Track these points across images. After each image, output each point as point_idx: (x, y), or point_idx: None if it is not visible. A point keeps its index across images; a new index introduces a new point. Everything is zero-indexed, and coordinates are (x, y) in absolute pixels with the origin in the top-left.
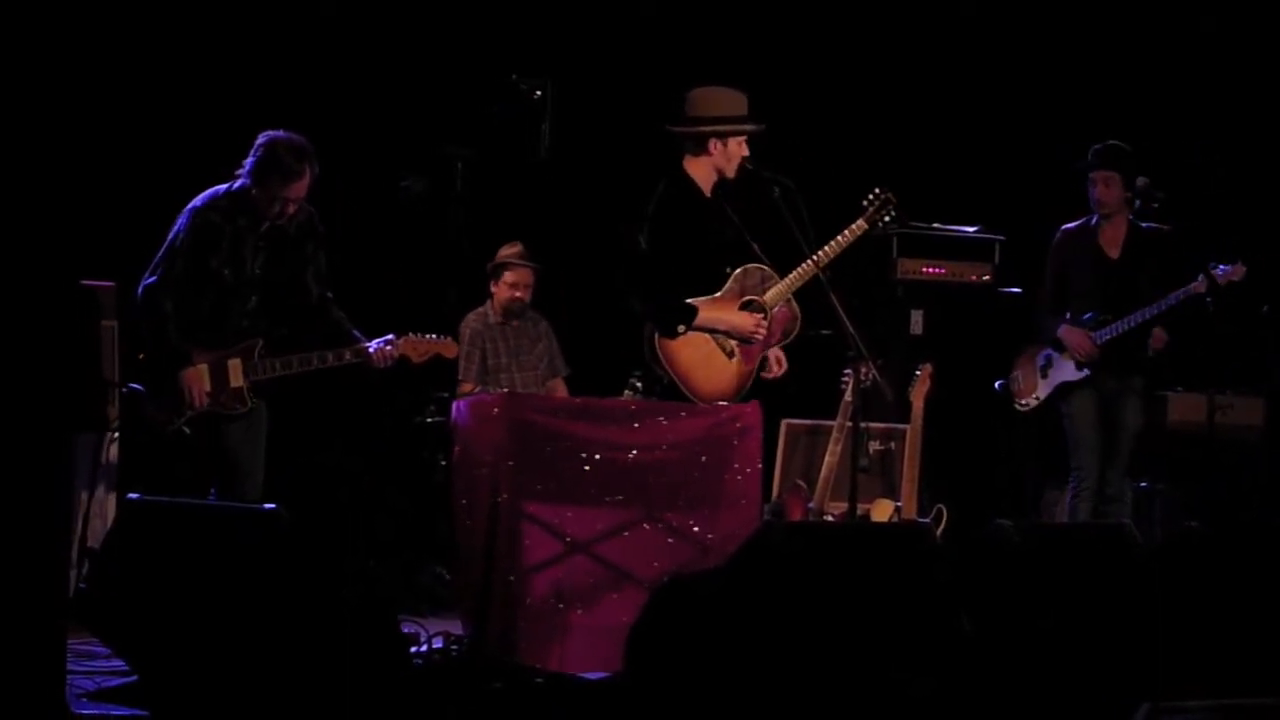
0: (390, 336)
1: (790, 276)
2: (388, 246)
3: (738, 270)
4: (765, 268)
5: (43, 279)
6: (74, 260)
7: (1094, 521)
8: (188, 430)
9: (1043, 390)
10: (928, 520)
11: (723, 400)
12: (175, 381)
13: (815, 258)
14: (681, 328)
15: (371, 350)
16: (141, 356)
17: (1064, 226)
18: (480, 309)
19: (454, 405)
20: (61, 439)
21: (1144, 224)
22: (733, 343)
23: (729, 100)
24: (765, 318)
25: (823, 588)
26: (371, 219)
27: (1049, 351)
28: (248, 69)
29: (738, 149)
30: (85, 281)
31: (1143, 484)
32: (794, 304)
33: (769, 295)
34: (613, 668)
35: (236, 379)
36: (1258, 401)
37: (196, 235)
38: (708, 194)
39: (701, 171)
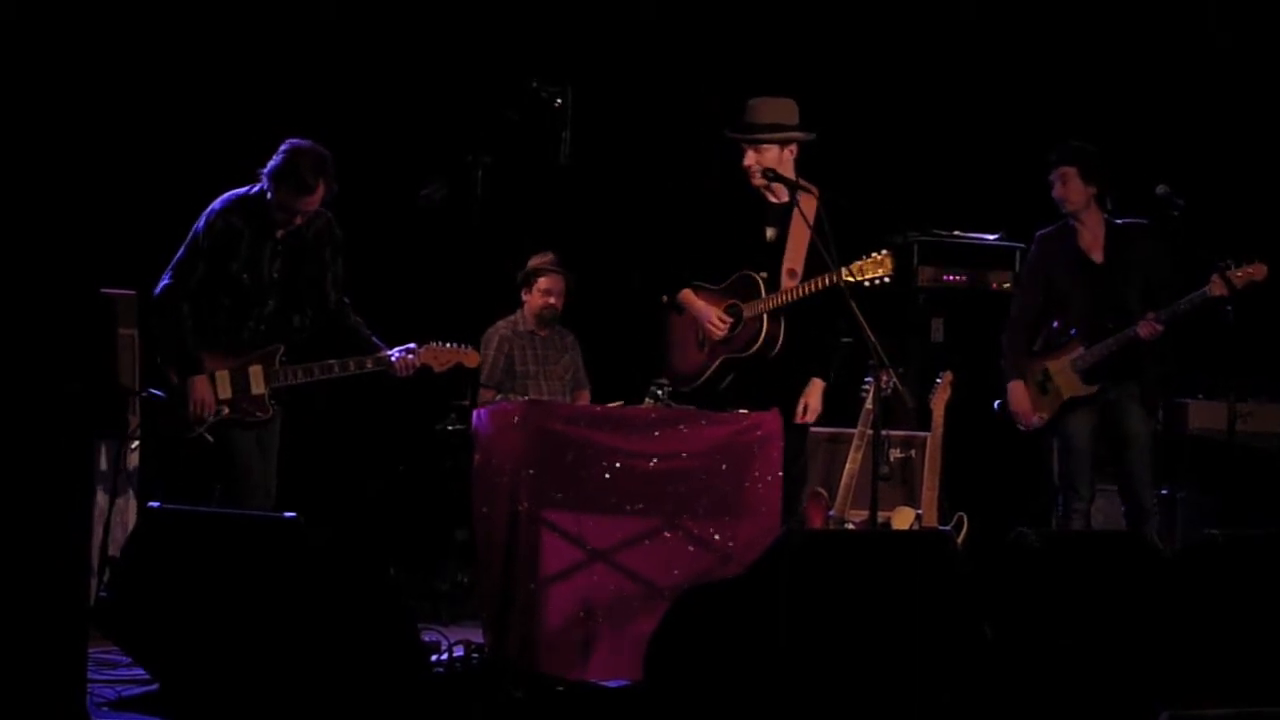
0: (411, 345)
1: (768, 297)
2: (408, 253)
3: (739, 273)
4: (760, 282)
5: (63, 287)
6: (94, 268)
7: (1114, 529)
8: (210, 437)
9: (1048, 408)
10: (948, 528)
11: (679, 380)
12: (183, 388)
13: (790, 291)
14: (665, 297)
15: (394, 359)
16: (159, 360)
17: (1040, 232)
18: (510, 317)
19: (474, 413)
20: (82, 446)
21: (1119, 220)
22: (704, 334)
23: (747, 107)
24: (735, 324)
25: (843, 595)
26: (392, 226)
27: (1045, 365)
28: (268, 77)
29: (745, 153)
30: (106, 290)
31: (1163, 491)
32: (767, 325)
33: (746, 306)
34: (633, 676)
35: (258, 386)
36: (1278, 409)
37: (216, 238)
38: (760, 195)
39: None
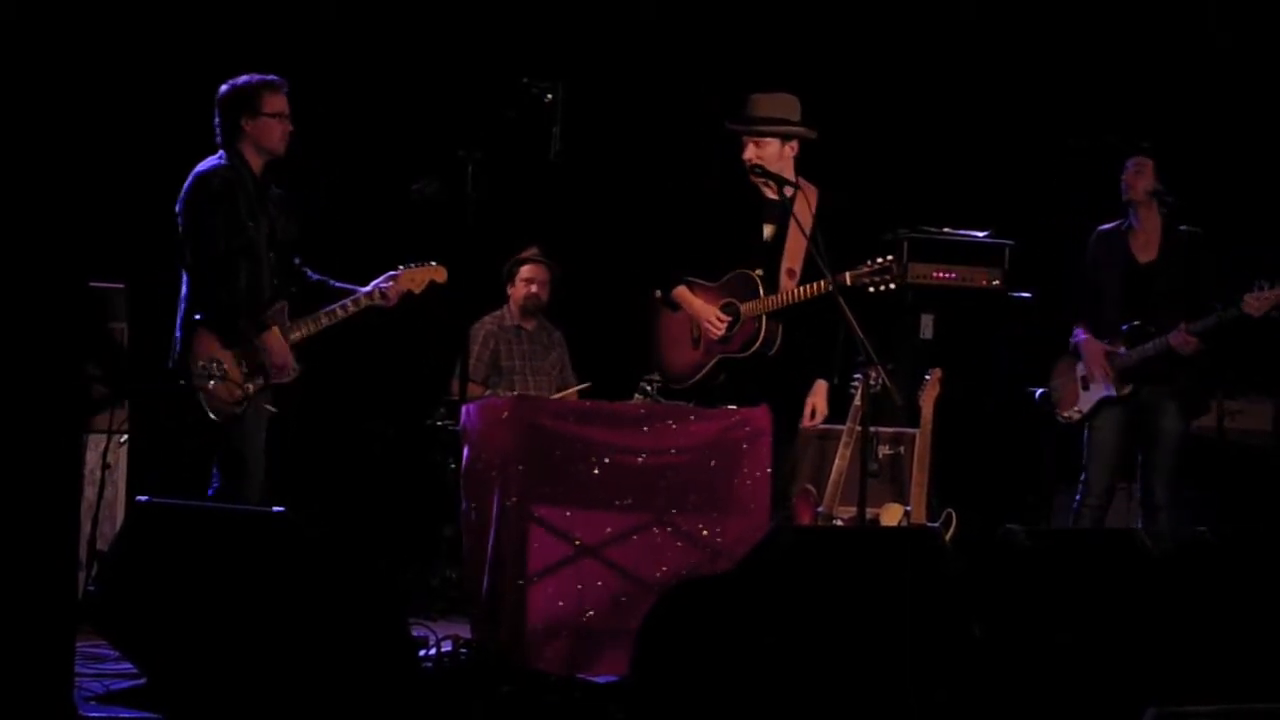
0: (390, 274)
1: (768, 298)
2: (399, 249)
3: (736, 272)
4: (756, 280)
5: (53, 280)
6: (84, 261)
7: (1103, 527)
8: (273, 408)
9: (1085, 403)
10: (937, 524)
11: (673, 378)
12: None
13: (790, 293)
14: (659, 292)
15: (385, 288)
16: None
17: (1099, 228)
18: (497, 312)
19: (463, 408)
20: (71, 440)
21: (1182, 227)
22: (699, 332)
23: (748, 100)
24: (733, 322)
25: (831, 592)
26: (383, 221)
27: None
28: (258, 71)
29: (745, 146)
30: (96, 283)
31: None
32: (766, 325)
33: (745, 306)
34: (621, 671)
35: None
36: (1267, 407)
37: (219, 190)
38: (758, 192)
39: None
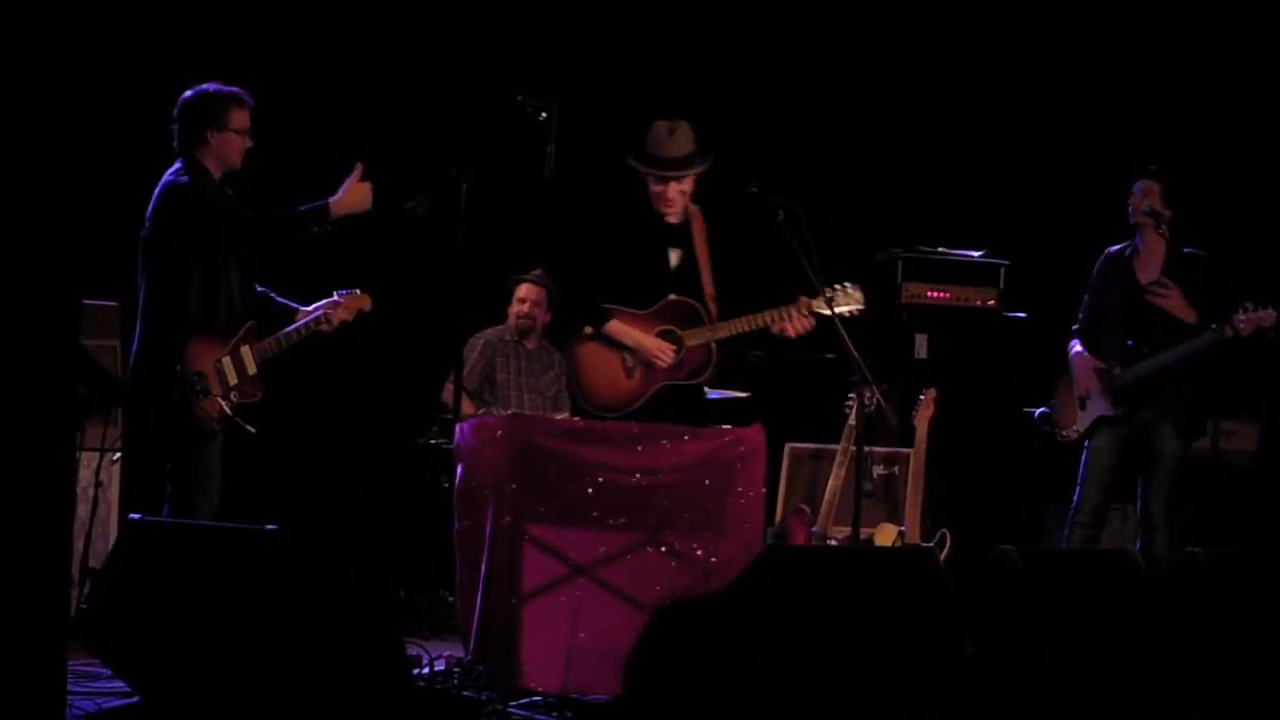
0: (331, 300)
1: (717, 326)
2: (391, 266)
3: (671, 299)
4: (699, 307)
5: (46, 297)
6: (77, 277)
7: (1094, 546)
8: (251, 429)
9: (1082, 423)
10: (931, 545)
11: (604, 410)
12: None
13: (743, 321)
14: (589, 329)
15: (329, 314)
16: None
17: (1108, 250)
18: (499, 327)
19: (457, 427)
20: (64, 457)
21: (1186, 249)
22: (634, 362)
23: (652, 139)
24: (677, 350)
25: (825, 612)
26: (375, 239)
27: (1085, 383)
28: (251, 89)
29: (667, 186)
30: (88, 301)
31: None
32: (715, 351)
33: (689, 334)
34: (614, 691)
35: (252, 365)
36: (1253, 429)
37: (191, 199)
38: (666, 220)
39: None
